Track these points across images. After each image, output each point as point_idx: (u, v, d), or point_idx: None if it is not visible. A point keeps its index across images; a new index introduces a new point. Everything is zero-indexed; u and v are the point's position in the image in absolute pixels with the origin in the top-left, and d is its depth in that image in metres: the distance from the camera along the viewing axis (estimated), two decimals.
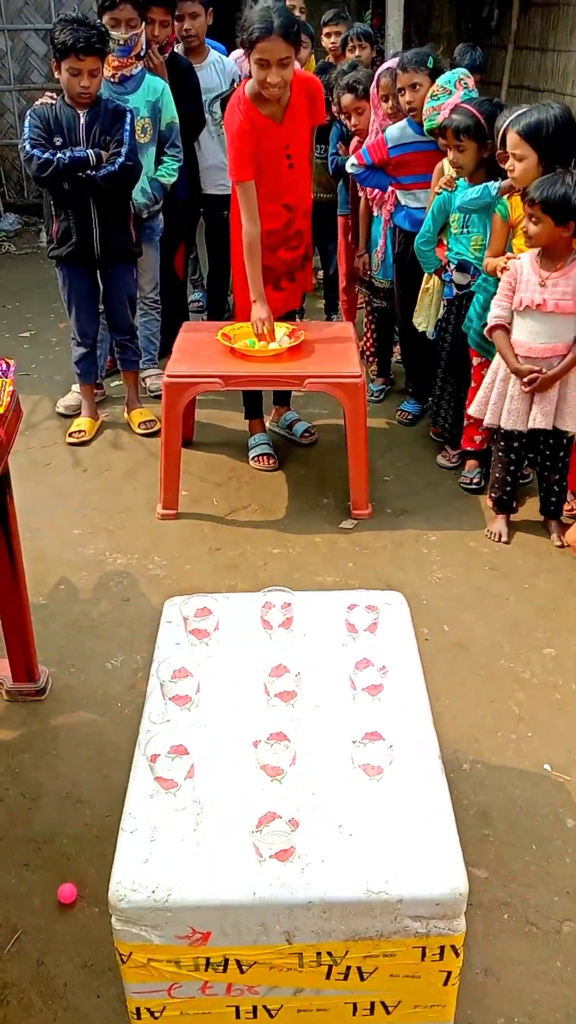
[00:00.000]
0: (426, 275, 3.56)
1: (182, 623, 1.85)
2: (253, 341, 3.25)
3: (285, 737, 1.54)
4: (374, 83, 3.73)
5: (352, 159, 3.77)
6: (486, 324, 3.19)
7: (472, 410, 3.10)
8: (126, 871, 1.40)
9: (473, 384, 3.41)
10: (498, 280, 3.09)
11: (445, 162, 3.35)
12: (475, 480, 3.47)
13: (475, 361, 3.37)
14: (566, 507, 3.20)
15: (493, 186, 3.11)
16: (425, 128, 3.37)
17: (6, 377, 2.02)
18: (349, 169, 3.80)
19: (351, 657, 1.72)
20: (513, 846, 2.03)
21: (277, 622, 1.83)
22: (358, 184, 3.93)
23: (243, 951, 1.42)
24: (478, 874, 1.97)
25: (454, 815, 1.51)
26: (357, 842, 1.43)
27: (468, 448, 3.50)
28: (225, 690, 1.71)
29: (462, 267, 3.30)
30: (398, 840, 1.43)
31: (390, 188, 3.73)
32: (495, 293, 3.12)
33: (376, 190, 3.84)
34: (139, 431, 3.94)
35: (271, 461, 3.62)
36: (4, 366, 2.04)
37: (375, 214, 3.99)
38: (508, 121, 2.87)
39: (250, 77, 3.07)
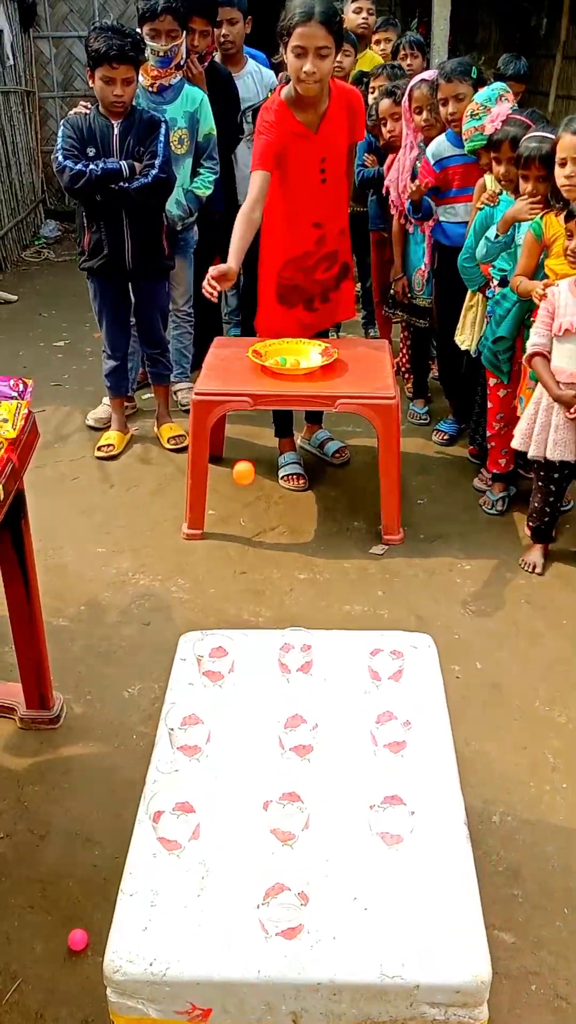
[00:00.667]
0: (470, 292, 3.43)
1: (196, 663, 1.76)
2: (284, 359, 3.15)
3: (298, 798, 1.43)
4: (406, 95, 3.62)
5: (409, 204, 3.65)
6: (500, 338, 3.08)
7: (516, 443, 2.95)
8: (123, 939, 1.31)
9: (491, 405, 3.29)
10: (519, 298, 2.97)
11: (488, 177, 3.23)
12: (497, 505, 3.34)
13: (491, 382, 3.25)
14: None
15: (491, 233, 3.00)
16: (467, 148, 3.26)
17: (22, 398, 1.94)
18: (409, 206, 3.67)
19: (373, 708, 1.61)
20: (544, 909, 1.91)
21: (295, 666, 1.73)
22: (396, 202, 3.81)
23: None
24: (505, 939, 1.84)
25: (481, 872, 1.40)
26: (372, 918, 1.32)
27: (494, 471, 3.38)
28: (237, 740, 1.62)
29: (505, 283, 3.17)
30: (417, 918, 1.32)
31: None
32: (510, 310, 3.00)
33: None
34: (168, 446, 3.87)
35: (301, 481, 3.52)
36: (20, 387, 1.97)
37: (410, 231, 3.87)
38: (536, 147, 2.78)
39: (287, 83, 2.97)
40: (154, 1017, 1.31)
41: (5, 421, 1.85)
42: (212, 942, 1.30)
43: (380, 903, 1.34)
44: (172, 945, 1.30)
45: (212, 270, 2.96)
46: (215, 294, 2.93)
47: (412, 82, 3.63)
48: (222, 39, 3.98)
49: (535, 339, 2.78)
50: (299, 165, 3.05)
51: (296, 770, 1.53)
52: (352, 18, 4.58)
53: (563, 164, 2.68)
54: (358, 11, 4.63)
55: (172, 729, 1.58)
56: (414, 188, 3.53)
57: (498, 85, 3.22)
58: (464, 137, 3.21)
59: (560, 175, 2.70)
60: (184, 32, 3.62)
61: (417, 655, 1.81)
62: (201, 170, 3.85)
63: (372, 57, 4.85)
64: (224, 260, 4.51)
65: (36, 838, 2.07)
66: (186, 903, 1.35)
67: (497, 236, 3.00)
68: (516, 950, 1.83)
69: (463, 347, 3.51)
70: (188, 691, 1.74)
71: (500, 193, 3.11)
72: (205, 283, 2.96)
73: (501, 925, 1.87)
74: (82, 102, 3.64)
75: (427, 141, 3.64)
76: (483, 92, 3.18)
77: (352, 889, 1.36)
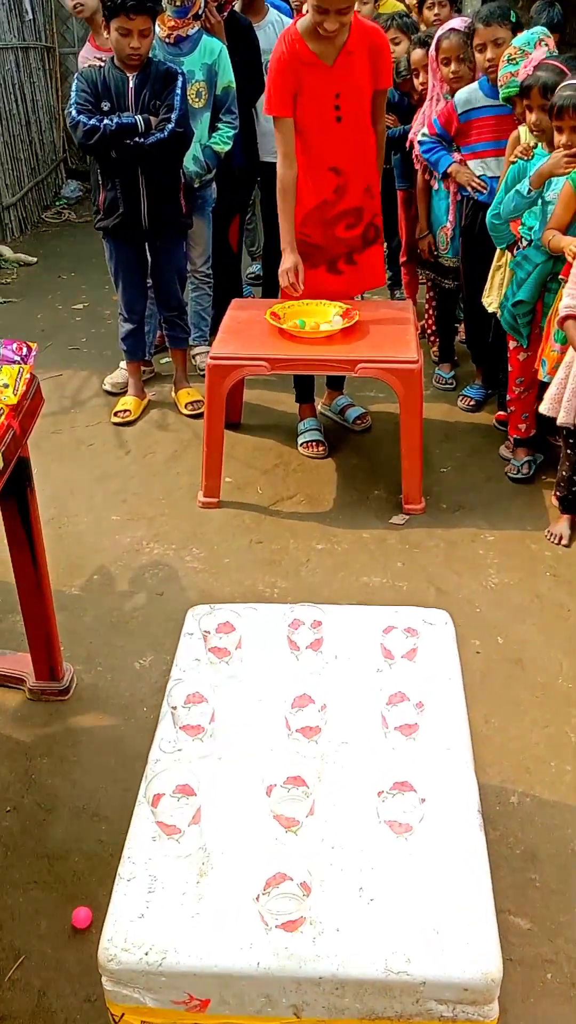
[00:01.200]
0: (498, 251, 3.29)
1: (202, 638, 1.70)
2: (303, 321, 3.05)
3: (304, 782, 1.37)
4: (433, 45, 3.45)
5: (423, 128, 3.52)
6: (520, 302, 2.95)
7: (544, 408, 2.84)
8: (118, 927, 1.26)
9: (511, 369, 3.17)
10: (542, 260, 2.83)
11: (522, 129, 3.06)
12: (523, 469, 3.24)
13: (511, 345, 3.13)
14: None
15: (523, 186, 2.85)
16: (502, 96, 3.09)
17: (25, 363, 1.87)
18: (419, 139, 3.55)
19: (385, 688, 1.54)
20: (562, 894, 1.84)
21: (305, 643, 1.66)
22: (420, 157, 3.65)
23: (245, 1021, 1.27)
24: (520, 924, 1.78)
25: (497, 855, 1.37)
26: (378, 910, 1.26)
27: (515, 436, 3.27)
28: (242, 720, 1.55)
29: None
30: (425, 911, 1.26)
31: (459, 156, 3.45)
32: (531, 272, 2.87)
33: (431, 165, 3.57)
34: (186, 412, 3.79)
35: (321, 448, 3.43)
36: (24, 350, 1.90)
37: (435, 188, 3.72)
38: (562, 99, 2.62)
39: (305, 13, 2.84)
40: (151, 1006, 1.26)
41: (6, 386, 1.78)
42: (210, 932, 1.25)
43: (387, 895, 1.28)
44: (169, 934, 1.25)
45: (283, 275, 3.05)
46: (300, 287, 3.08)
47: (440, 31, 3.46)
48: None
49: (567, 300, 2.65)
50: (310, 99, 2.91)
51: (302, 753, 1.46)
52: None
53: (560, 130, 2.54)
54: None
55: (175, 708, 1.52)
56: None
57: (538, 29, 3.04)
58: (500, 83, 3.04)
59: None
60: None
61: (433, 632, 1.73)
62: (220, 125, 3.72)
63: (392, 3, 4.65)
64: (244, 219, 4.42)
65: (43, 811, 2.04)
66: (184, 890, 1.30)
67: (529, 191, 2.86)
68: (531, 936, 1.77)
69: (490, 309, 3.37)
70: (193, 667, 1.68)
71: (535, 146, 2.95)
72: (286, 286, 3.04)
73: (516, 910, 1.81)
74: (95, 54, 3.52)
75: (453, 93, 3.47)
76: (522, 36, 3.01)
77: (358, 879, 1.30)
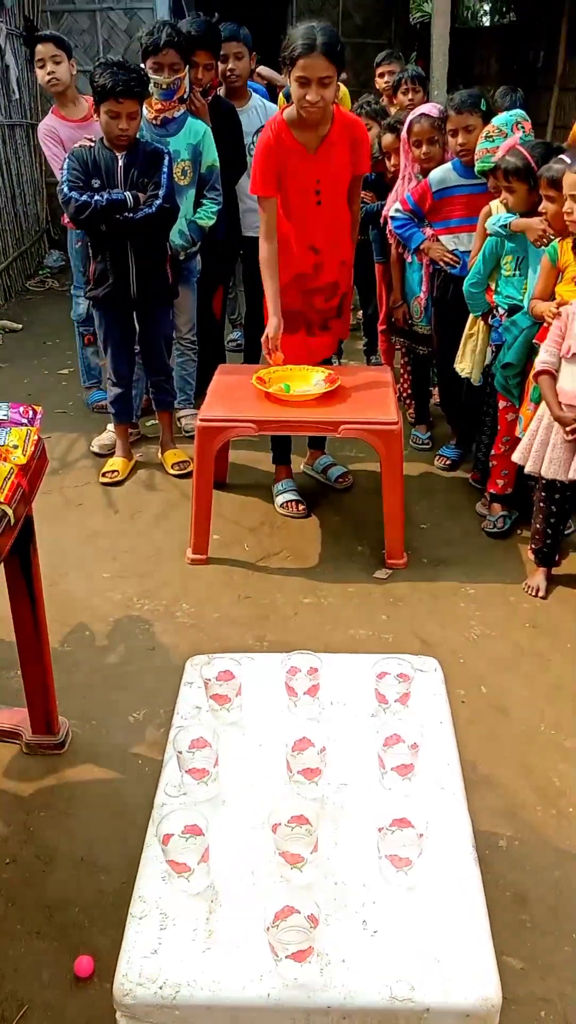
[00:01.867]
0: (471, 319, 3.47)
1: (203, 686, 1.77)
2: (288, 385, 3.19)
3: (307, 821, 1.44)
4: (405, 128, 3.69)
5: (396, 204, 3.73)
6: (509, 364, 3.12)
7: (515, 456, 2.99)
8: (132, 963, 1.31)
9: (499, 428, 3.33)
10: (532, 324, 3.01)
11: (493, 203, 3.28)
12: (498, 524, 3.37)
13: (501, 404, 3.29)
14: None
15: (505, 218, 3.05)
16: (477, 169, 3.31)
17: (32, 425, 1.97)
18: (392, 214, 3.76)
19: (380, 732, 1.61)
20: (552, 934, 1.90)
21: (302, 689, 1.73)
22: (390, 232, 3.86)
23: None
24: (513, 964, 1.83)
25: (488, 898, 1.40)
26: (381, 941, 1.32)
27: (492, 491, 3.41)
28: (245, 763, 1.62)
29: (513, 311, 3.21)
30: (426, 941, 1.32)
31: (431, 231, 3.66)
32: (518, 337, 3.04)
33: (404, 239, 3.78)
34: (172, 472, 3.89)
35: (300, 507, 3.54)
36: (30, 414, 2.00)
37: (408, 261, 3.93)
38: (547, 171, 2.83)
39: (290, 104, 3.03)
40: None
41: (16, 447, 1.87)
42: (222, 965, 1.30)
43: (389, 926, 1.34)
44: (182, 968, 1.30)
45: (266, 341, 3.17)
46: (280, 357, 3.20)
47: (411, 116, 3.70)
48: (228, 73, 4.06)
49: (544, 356, 2.82)
50: (294, 185, 3.09)
51: (304, 793, 1.53)
52: (378, 81, 4.71)
53: (574, 199, 2.72)
54: (381, 75, 4.73)
55: (180, 752, 1.58)
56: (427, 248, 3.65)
57: (517, 112, 3.29)
58: (476, 158, 3.26)
59: (567, 209, 2.73)
60: (187, 66, 3.69)
61: (424, 678, 1.82)
62: (204, 201, 3.91)
63: (343, 94, 4.96)
64: (226, 289, 4.60)
65: (42, 863, 2.07)
66: (195, 926, 1.35)
67: (506, 227, 3.05)
68: (524, 976, 1.82)
69: (463, 375, 3.55)
70: (195, 715, 1.74)
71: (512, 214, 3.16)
72: (268, 354, 3.16)
73: (509, 951, 1.86)
74: (86, 136, 3.71)
75: (424, 173, 3.70)
76: (502, 116, 3.25)
77: (361, 913, 1.36)
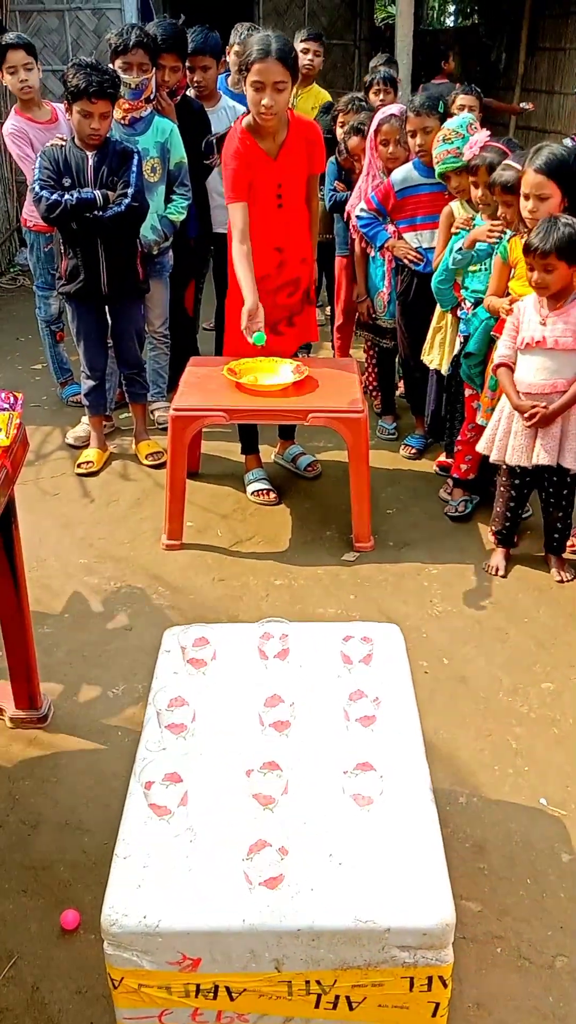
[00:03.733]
0: (439, 313, 3.61)
1: (180, 652, 1.89)
2: (256, 377, 3.31)
3: (278, 766, 1.56)
4: (372, 128, 3.83)
5: (361, 204, 3.86)
6: (470, 354, 3.27)
7: (480, 447, 3.14)
8: (119, 896, 1.43)
9: (466, 416, 3.47)
10: (486, 317, 3.17)
11: (454, 205, 3.42)
12: (459, 508, 3.52)
13: (467, 393, 3.44)
14: (569, 544, 3.22)
15: (457, 241, 3.22)
16: (437, 172, 3.44)
17: (13, 410, 2.07)
18: (357, 213, 3.89)
19: (345, 688, 1.75)
20: (508, 880, 2.04)
21: (273, 652, 1.86)
22: (357, 227, 4.00)
23: (233, 978, 1.43)
24: (471, 907, 1.97)
25: (449, 848, 1.53)
26: (346, 871, 1.45)
27: (455, 475, 3.55)
28: (220, 719, 1.74)
29: (479, 304, 3.35)
30: (387, 870, 1.45)
31: (393, 229, 3.80)
32: (478, 328, 3.20)
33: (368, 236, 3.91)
34: (146, 462, 4.00)
35: (271, 495, 3.66)
36: (12, 399, 2.10)
37: (371, 256, 4.07)
38: (500, 177, 2.98)
39: (248, 113, 3.15)
40: (148, 968, 1.42)
41: None
42: (200, 896, 1.42)
43: (353, 858, 1.47)
44: (164, 900, 1.42)
45: (243, 319, 3.19)
46: (264, 339, 3.21)
47: (379, 115, 3.84)
48: (197, 84, 4.19)
49: (501, 350, 2.97)
50: (258, 190, 3.22)
51: (275, 743, 1.66)
52: (299, 57, 4.80)
53: (527, 198, 2.86)
54: (305, 52, 4.85)
55: (160, 710, 1.70)
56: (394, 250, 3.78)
57: (467, 116, 3.44)
58: (436, 160, 3.40)
59: (524, 208, 2.88)
60: (154, 67, 3.80)
61: (386, 642, 1.96)
62: (174, 196, 4.02)
63: (316, 92, 5.08)
64: (199, 284, 4.71)
65: (28, 828, 2.18)
66: (176, 862, 1.47)
67: (461, 249, 3.22)
68: (482, 917, 1.96)
69: (432, 366, 3.70)
70: (173, 678, 1.86)
71: (474, 217, 3.31)
72: (247, 332, 3.20)
73: (468, 895, 2.00)
74: (57, 135, 3.81)
75: (389, 172, 3.84)
76: (453, 120, 3.39)
77: (328, 846, 1.49)
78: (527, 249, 2.75)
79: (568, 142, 3.91)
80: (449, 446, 3.78)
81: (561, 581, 3.13)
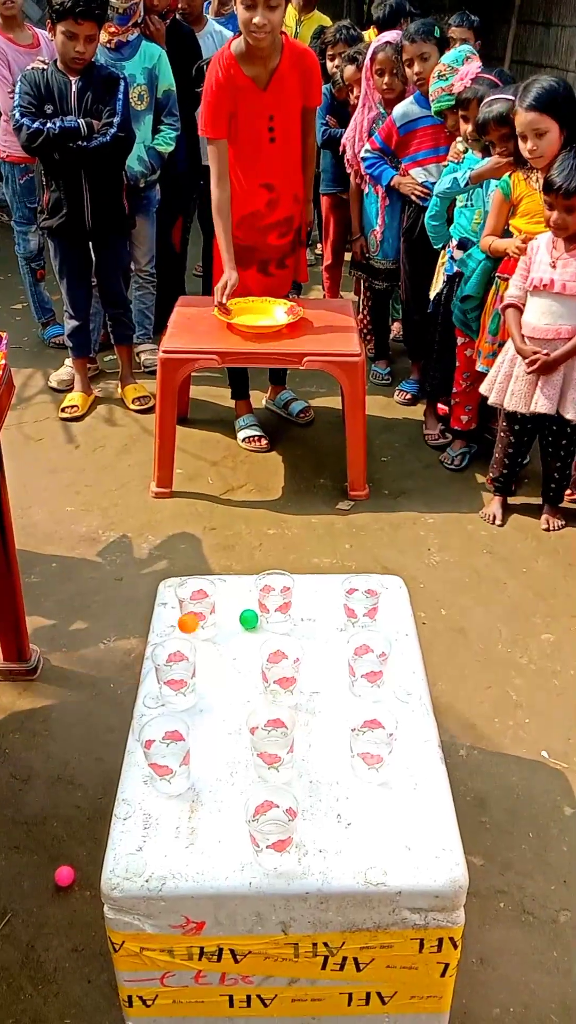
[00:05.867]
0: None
1: (177, 605, 1.81)
2: (252, 317, 3.18)
3: (283, 724, 1.50)
4: (368, 57, 3.64)
5: (366, 145, 3.68)
6: (468, 297, 3.15)
7: (482, 388, 3.05)
8: (119, 859, 1.37)
9: (458, 364, 3.37)
10: (489, 258, 3.04)
11: (460, 143, 3.27)
12: (456, 460, 3.44)
13: (459, 340, 3.33)
14: (568, 493, 3.16)
15: (463, 177, 3.06)
16: (434, 109, 3.29)
17: None
18: (362, 155, 3.71)
19: (350, 643, 1.68)
20: (510, 834, 2.01)
21: (275, 606, 1.79)
22: (360, 169, 3.82)
23: (237, 941, 1.39)
24: (474, 862, 1.94)
25: None
26: (355, 832, 1.40)
27: (456, 427, 3.47)
28: (222, 675, 1.68)
29: (462, 244, 3.23)
30: (397, 831, 1.40)
31: (402, 166, 3.63)
32: (475, 269, 3.08)
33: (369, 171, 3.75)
34: (133, 407, 3.88)
35: (263, 442, 3.56)
36: None
37: (366, 192, 3.91)
38: (489, 113, 2.83)
39: (239, 36, 2.96)
40: (150, 932, 1.37)
41: None
42: (205, 858, 1.37)
43: (362, 818, 1.42)
44: (166, 862, 1.36)
45: (217, 291, 3.11)
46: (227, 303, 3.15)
47: (374, 43, 3.65)
48: (182, 8, 3.99)
49: (512, 290, 2.86)
50: (246, 121, 3.03)
51: (280, 700, 1.59)
52: None
53: (523, 138, 2.72)
54: None
55: (158, 666, 1.63)
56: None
57: (464, 47, 3.26)
58: (431, 98, 3.24)
59: (523, 148, 2.74)
60: None
61: (390, 595, 1.89)
62: (162, 127, 3.83)
63: (319, 19, 4.85)
64: (187, 221, 4.53)
65: (19, 782, 2.12)
66: (178, 824, 1.42)
67: (467, 184, 3.06)
68: (485, 872, 1.93)
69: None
70: (171, 632, 1.79)
71: (465, 152, 3.15)
72: (217, 301, 3.12)
73: (470, 849, 1.94)
74: (39, 58, 3.59)
75: (387, 104, 3.67)
76: (450, 54, 3.22)
77: (336, 806, 1.44)
78: (549, 187, 2.62)
79: None
80: (423, 388, 3.65)
81: (547, 529, 3.07)
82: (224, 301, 3.15)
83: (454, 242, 3.27)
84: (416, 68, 3.38)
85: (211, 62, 3.04)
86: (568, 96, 2.67)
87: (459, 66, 3.14)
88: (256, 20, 2.80)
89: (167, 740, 1.48)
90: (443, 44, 3.38)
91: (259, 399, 3.85)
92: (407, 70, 3.45)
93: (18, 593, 2.34)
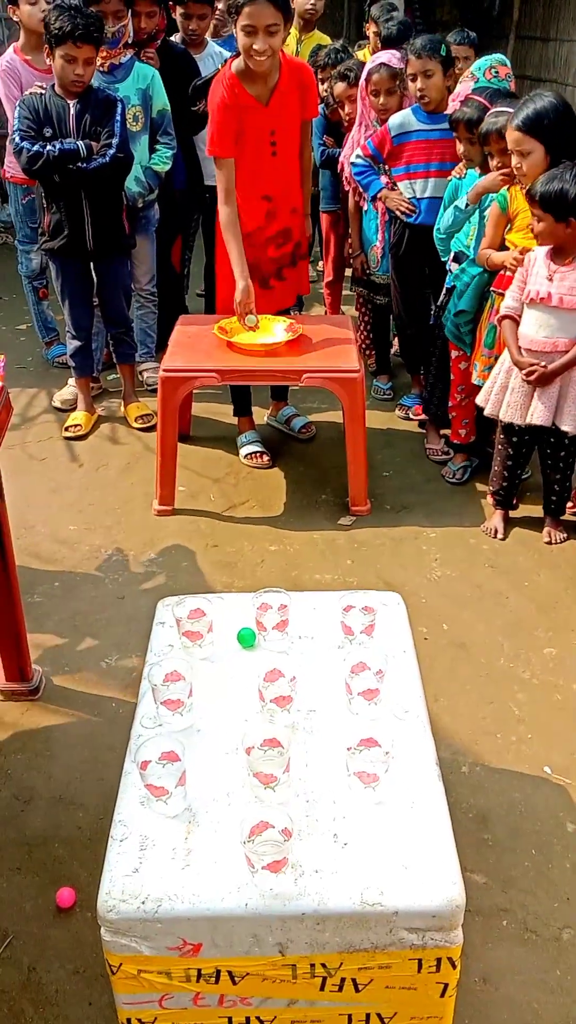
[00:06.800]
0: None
1: (175, 624, 1.82)
2: (249, 332, 3.20)
3: (279, 744, 1.50)
4: (364, 77, 3.67)
5: (357, 151, 3.71)
6: (462, 311, 3.16)
7: (478, 399, 3.06)
8: (115, 881, 1.37)
9: (453, 377, 3.38)
10: (483, 271, 3.05)
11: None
12: (457, 475, 3.44)
13: (453, 354, 3.34)
14: (569, 506, 3.15)
15: (462, 203, 3.09)
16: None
17: None
18: (352, 160, 3.74)
19: (347, 661, 1.68)
20: (512, 851, 2.00)
21: (272, 624, 1.79)
22: (351, 179, 3.85)
23: (235, 963, 1.38)
24: (476, 880, 1.93)
25: (452, 819, 1.47)
26: (352, 852, 1.40)
27: (455, 441, 3.47)
28: (218, 694, 1.68)
29: (457, 258, 3.25)
30: (394, 850, 1.40)
31: (386, 180, 3.66)
32: (469, 284, 3.09)
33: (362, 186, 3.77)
34: (136, 425, 3.90)
35: (264, 458, 3.57)
36: None
37: (364, 209, 3.93)
38: (493, 125, 2.85)
39: (237, 56, 3.00)
40: (147, 954, 1.37)
41: None
42: (201, 879, 1.36)
43: (359, 838, 1.42)
44: (162, 884, 1.36)
45: (238, 306, 3.14)
46: (255, 320, 3.19)
47: (369, 65, 3.68)
48: (191, 32, 4.03)
49: (508, 302, 2.87)
50: (250, 137, 3.07)
51: (276, 719, 1.59)
52: (300, 2, 4.60)
53: (512, 154, 2.76)
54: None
55: (155, 686, 1.63)
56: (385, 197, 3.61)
57: (495, 57, 3.30)
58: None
59: (512, 164, 2.78)
60: (130, 13, 3.64)
61: (388, 611, 1.89)
62: (158, 146, 3.87)
63: (319, 38, 4.89)
64: (187, 240, 4.56)
65: (20, 803, 2.12)
66: (174, 845, 1.41)
67: (467, 205, 3.08)
68: (487, 889, 1.92)
69: None
70: (169, 652, 1.79)
71: (468, 168, 3.18)
72: (240, 319, 3.15)
73: (472, 867, 1.96)
74: (36, 83, 3.63)
75: (382, 122, 3.69)
76: (480, 61, 3.26)
77: (332, 827, 1.43)
78: (531, 198, 2.64)
79: None
80: (428, 405, 3.67)
81: (549, 543, 3.07)
82: (244, 308, 3.17)
83: (450, 256, 3.29)
84: (419, 84, 3.40)
85: (213, 83, 3.09)
86: (560, 118, 2.68)
87: (480, 75, 3.18)
88: (256, 46, 2.86)
89: (163, 761, 1.48)
90: (448, 63, 3.40)
91: (261, 415, 3.86)
92: (410, 84, 3.47)
93: (19, 612, 2.34)
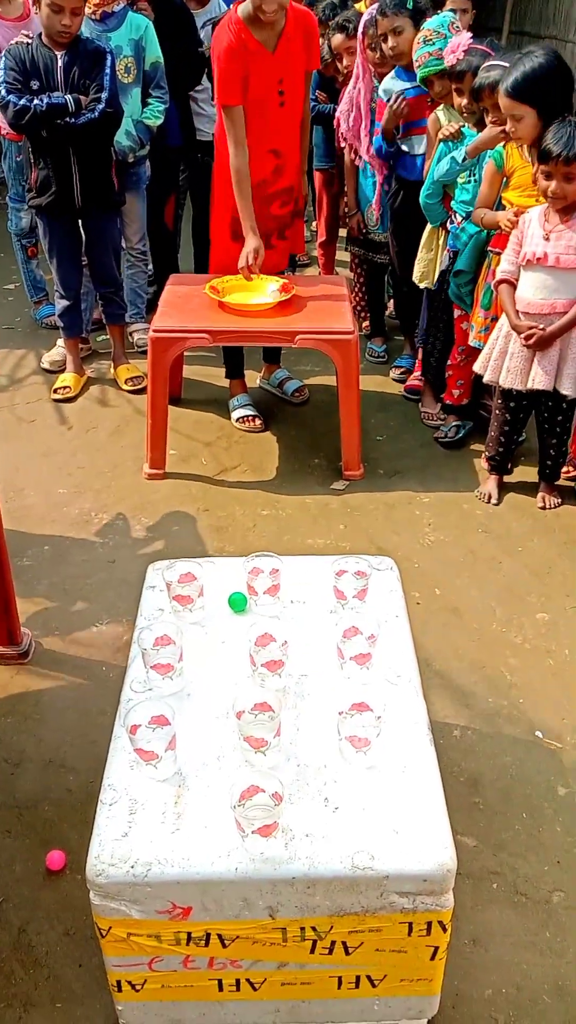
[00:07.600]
0: (429, 230, 3.42)
1: (165, 589, 1.79)
2: (244, 295, 3.14)
3: (270, 708, 1.49)
4: (361, 31, 3.57)
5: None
6: (460, 271, 3.11)
7: (476, 366, 3.01)
8: (104, 845, 1.36)
9: (455, 338, 3.32)
10: (477, 230, 2.99)
11: (439, 112, 3.20)
12: (450, 434, 3.40)
13: (456, 314, 3.29)
14: (564, 471, 3.13)
15: (460, 154, 3.01)
16: (420, 76, 3.21)
17: None
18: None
19: (339, 625, 1.66)
20: (503, 814, 2.00)
21: (263, 588, 1.77)
22: (346, 135, 3.76)
23: (225, 926, 1.38)
24: (467, 843, 1.94)
25: (443, 783, 1.46)
26: (343, 816, 1.39)
27: (448, 402, 3.43)
28: (209, 659, 1.66)
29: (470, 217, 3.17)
30: (385, 814, 1.39)
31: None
32: (467, 243, 3.03)
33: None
34: (126, 387, 3.84)
35: (257, 422, 3.53)
36: None
37: (360, 167, 3.84)
38: (486, 79, 2.77)
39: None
40: (136, 918, 1.36)
41: None
42: (191, 843, 1.35)
43: (350, 802, 1.41)
44: (152, 848, 1.35)
45: (244, 257, 3.06)
46: (255, 273, 3.12)
47: (365, 17, 3.57)
48: None
49: (504, 266, 2.81)
50: (258, 86, 2.98)
51: (267, 684, 1.58)
52: None
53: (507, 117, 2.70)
54: None
55: (145, 650, 1.61)
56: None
57: (448, 14, 3.19)
58: (417, 64, 3.17)
59: (510, 130, 2.71)
60: None
61: (380, 576, 1.87)
62: (150, 100, 3.76)
63: None
64: (180, 198, 4.46)
65: (10, 766, 2.11)
66: (164, 809, 1.40)
67: (465, 159, 3.01)
68: (478, 853, 1.92)
69: (421, 285, 3.51)
70: (159, 616, 1.77)
71: (462, 126, 3.09)
72: (244, 268, 3.06)
73: (463, 830, 1.96)
74: (23, 31, 3.52)
75: (380, 78, 3.59)
76: (434, 18, 3.14)
77: (323, 790, 1.42)
78: (547, 156, 2.56)
79: None
80: (428, 365, 3.62)
81: (543, 508, 3.05)
82: (251, 269, 3.10)
83: (459, 218, 3.21)
84: (390, 43, 3.30)
85: (218, 27, 2.99)
86: (550, 79, 2.60)
87: (444, 31, 3.07)
88: (266, 7, 2.81)
89: (153, 725, 1.47)
90: (418, 16, 3.29)
91: (253, 379, 3.81)
92: (383, 44, 3.37)
93: (8, 576, 2.32)
